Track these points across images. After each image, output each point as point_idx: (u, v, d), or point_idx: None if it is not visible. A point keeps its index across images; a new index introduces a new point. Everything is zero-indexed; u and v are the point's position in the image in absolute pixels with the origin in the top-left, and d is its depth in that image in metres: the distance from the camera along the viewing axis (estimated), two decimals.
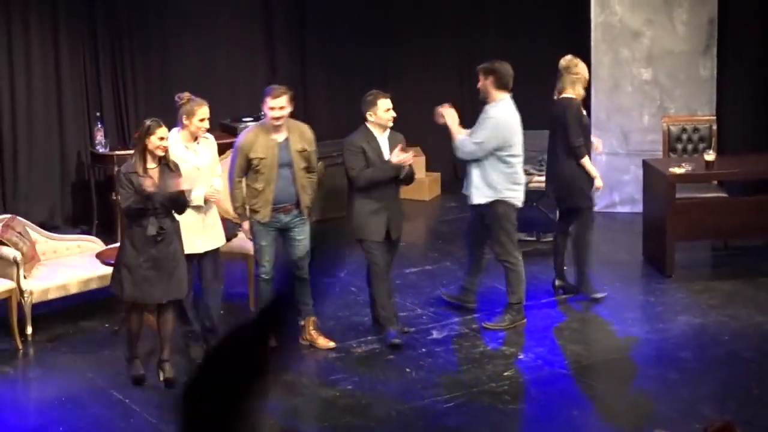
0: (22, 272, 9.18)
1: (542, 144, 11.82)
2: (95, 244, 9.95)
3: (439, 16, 13.13)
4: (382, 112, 8.83)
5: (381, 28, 13.15)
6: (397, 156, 8.79)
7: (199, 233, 8.57)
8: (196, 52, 12.29)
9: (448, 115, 9.21)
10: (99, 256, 9.38)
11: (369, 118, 8.88)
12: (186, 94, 8.72)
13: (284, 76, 12.86)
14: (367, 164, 8.84)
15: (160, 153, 8.12)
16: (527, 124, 12.05)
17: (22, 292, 9.15)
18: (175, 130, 8.59)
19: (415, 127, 11.98)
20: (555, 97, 9.77)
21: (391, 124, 8.90)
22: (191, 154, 8.55)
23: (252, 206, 8.81)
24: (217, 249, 8.81)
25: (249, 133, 8.82)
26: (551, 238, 11.26)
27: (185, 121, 8.54)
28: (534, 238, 11.27)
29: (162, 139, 8.11)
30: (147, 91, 12.10)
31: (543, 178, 11.37)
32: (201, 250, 8.61)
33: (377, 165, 8.85)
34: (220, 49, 12.44)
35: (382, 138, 8.92)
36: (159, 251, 8.13)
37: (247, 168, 8.73)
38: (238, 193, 8.82)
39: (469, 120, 9.64)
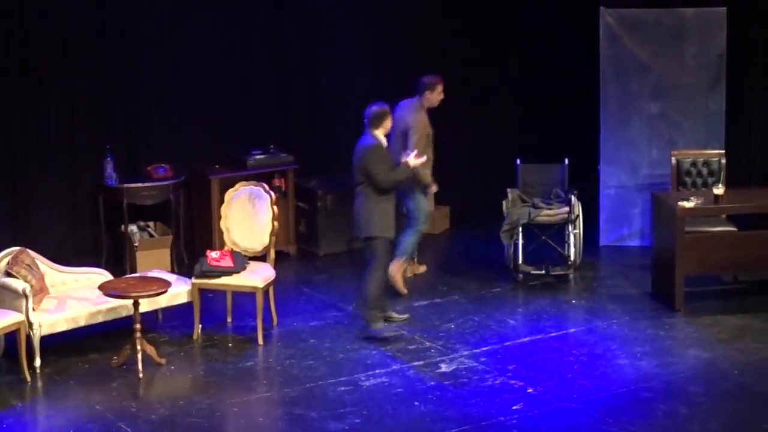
0: (30, 304, 9.18)
1: (553, 177, 11.88)
2: (104, 277, 9.95)
3: (448, 53, 13.15)
4: (390, 126, 9.90)
5: (393, 65, 13.16)
6: (414, 159, 9.78)
7: None
8: (206, 83, 12.31)
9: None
10: (102, 287, 9.34)
11: (382, 129, 9.77)
12: None
13: (296, 114, 12.89)
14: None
15: None
16: (539, 156, 12.13)
17: (30, 324, 9.16)
18: None
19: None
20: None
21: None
22: None
23: None
24: None
25: None
26: (560, 272, 11.27)
27: None
28: (543, 272, 11.26)
29: None
30: (158, 125, 12.11)
31: (552, 212, 11.41)
32: None
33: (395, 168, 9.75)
34: (233, 82, 12.45)
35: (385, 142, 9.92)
36: None
37: None
38: None
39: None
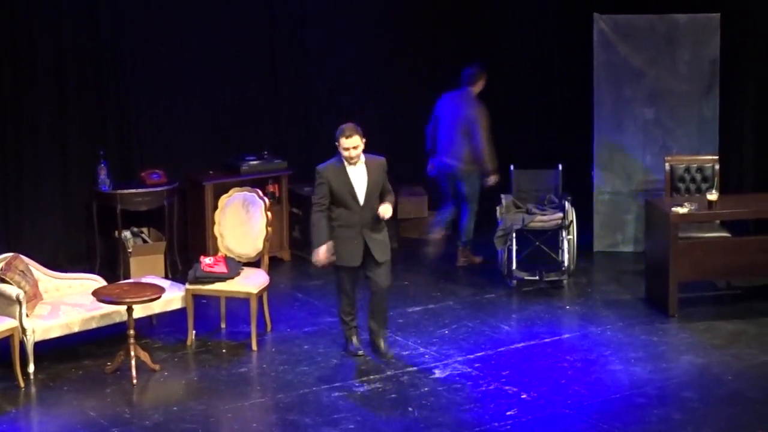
0: (24, 310, 9.17)
1: (547, 183, 11.89)
2: (97, 283, 9.94)
3: (442, 60, 13.16)
4: (342, 149, 9.20)
5: (387, 71, 13.17)
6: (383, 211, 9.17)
7: None
8: (201, 89, 12.31)
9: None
10: (95, 293, 9.32)
11: (340, 148, 9.24)
12: None
13: (290, 120, 12.89)
14: (333, 195, 9.16)
15: None
16: (533, 162, 12.14)
17: (24, 330, 9.15)
18: None
19: (421, 165, 12.02)
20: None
21: (353, 161, 9.19)
22: None
23: None
24: None
25: None
26: (554, 278, 11.27)
27: None
28: (537, 278, 11.26)
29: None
30: (151, 131, 12.11)
31: (546, 217, 11.41)
32: None
33: (346, 200, 9.15)
34: (226, 88, 12.44)
35: (353, 169, 9.22)
36: None
37: None
38: None
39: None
